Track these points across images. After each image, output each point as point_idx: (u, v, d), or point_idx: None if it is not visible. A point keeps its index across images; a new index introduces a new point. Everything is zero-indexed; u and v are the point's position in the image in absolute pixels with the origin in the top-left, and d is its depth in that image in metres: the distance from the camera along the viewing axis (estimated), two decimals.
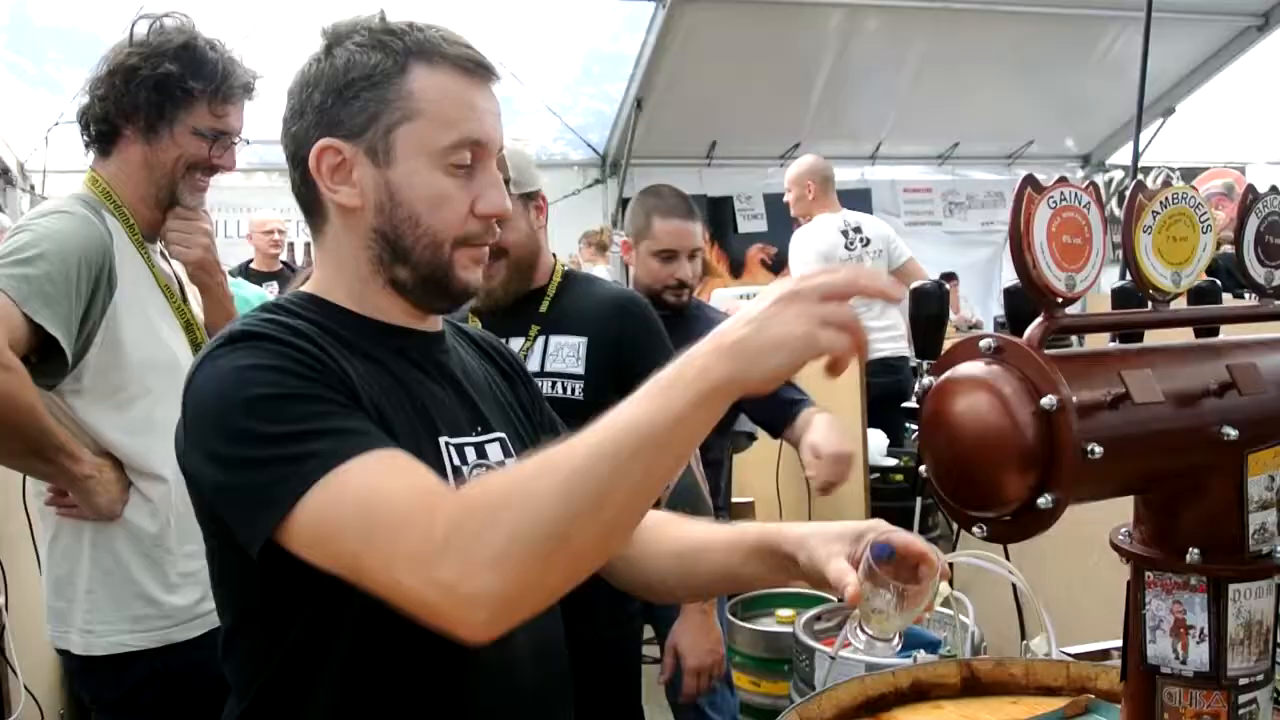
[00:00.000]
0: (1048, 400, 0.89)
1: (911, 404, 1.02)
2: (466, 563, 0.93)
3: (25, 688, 3.00)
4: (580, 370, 2.20)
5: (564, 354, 2.22)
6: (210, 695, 1.53)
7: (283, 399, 1.08)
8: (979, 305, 8.11)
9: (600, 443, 0.94)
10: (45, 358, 1.79)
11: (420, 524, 0.97)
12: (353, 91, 1.19)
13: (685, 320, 2.76)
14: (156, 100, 1.91)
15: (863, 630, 1.19)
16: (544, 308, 2.28)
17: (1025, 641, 2.19)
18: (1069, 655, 1.81)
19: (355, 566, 1.01)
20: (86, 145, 2.00)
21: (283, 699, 1.19)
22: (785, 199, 5.06)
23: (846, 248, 4.80)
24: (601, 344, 2.21)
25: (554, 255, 2.37)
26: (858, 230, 4.86)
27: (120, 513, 1.89)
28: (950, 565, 2.42)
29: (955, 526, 2.90)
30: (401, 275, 1.22)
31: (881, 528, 1.21)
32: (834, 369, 0.96)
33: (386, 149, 1.19)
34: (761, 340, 0.92)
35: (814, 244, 4.81)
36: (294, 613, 1.16)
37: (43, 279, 1.76)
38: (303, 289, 1.28)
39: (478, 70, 1.22)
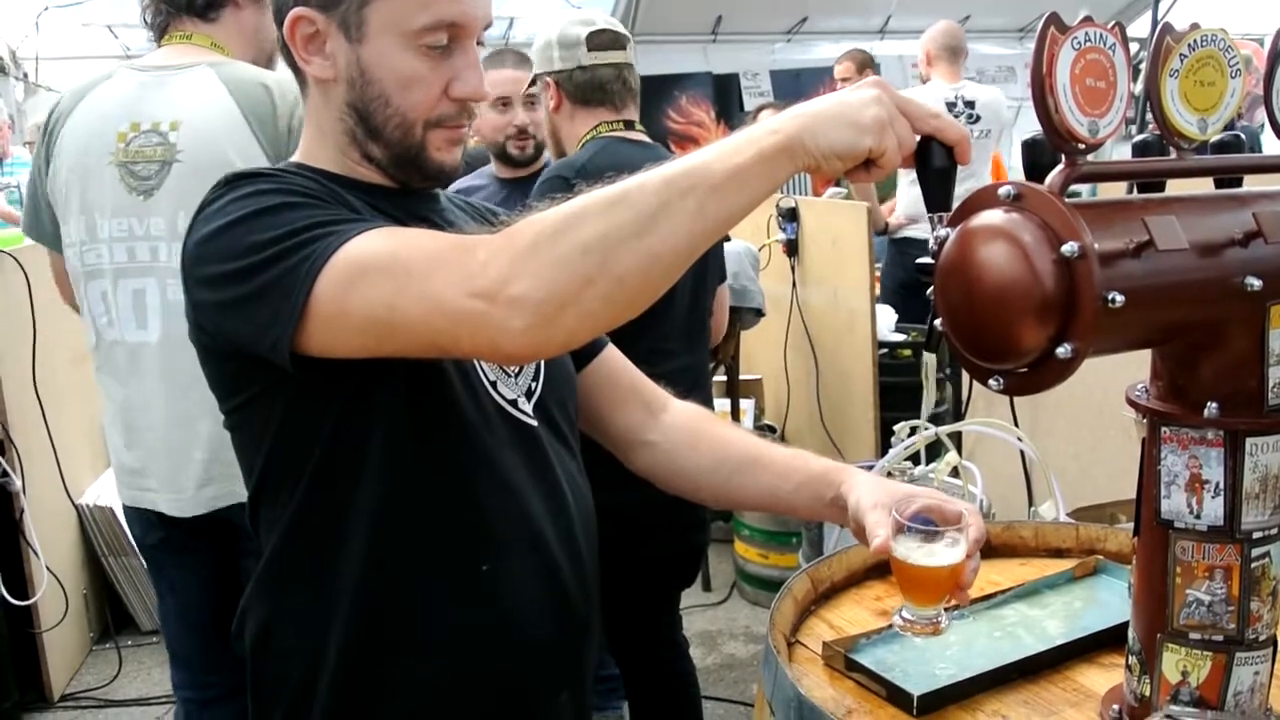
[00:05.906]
0: (1069, 247, 0.87)
1: (927, 260, 1.00)
2: (508, 269, 0.94)
3: (47, 568, 3.06)
4: None
5: None
6: None
7: (282, 207, 1.07)
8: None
9: (652, 176, 0.96)
10: None
11: (459, 255, 0.98)
12: None
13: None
14: None
15: (904, 615, 1.19)
16: None
17: (1033, 508, 2.21)
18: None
19: (389, 319, 1.00)
20: (185, 10, 2.13)
21: (312, 548, 1.19)
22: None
23: None
24: None
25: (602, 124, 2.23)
26: (970, 104, 4.77)
27: None
28: (959, 435, 2.45)
29: (964, 398, 2.90)
30: (375, 153, 1.19)
31: (935, 498, 1.22)
32: (868, 174, 1.00)
33: (359, 24, 1.14)
34: (835, 113, 0.97)
35: None
36: (316, 454, 1.15)
37: None
38: (291, 158, 1.26)
39: None
